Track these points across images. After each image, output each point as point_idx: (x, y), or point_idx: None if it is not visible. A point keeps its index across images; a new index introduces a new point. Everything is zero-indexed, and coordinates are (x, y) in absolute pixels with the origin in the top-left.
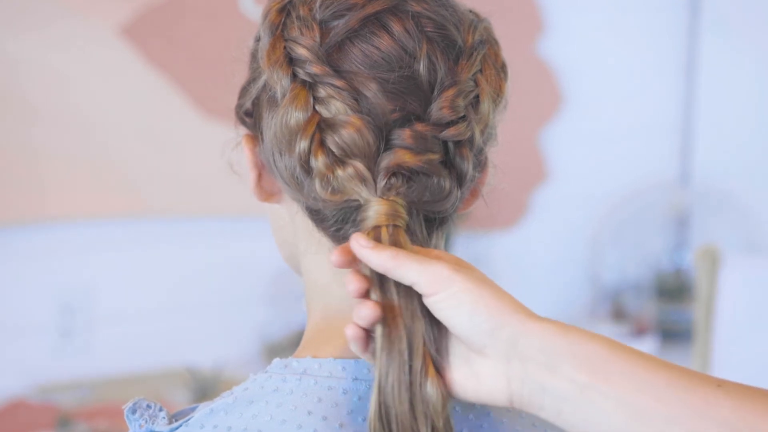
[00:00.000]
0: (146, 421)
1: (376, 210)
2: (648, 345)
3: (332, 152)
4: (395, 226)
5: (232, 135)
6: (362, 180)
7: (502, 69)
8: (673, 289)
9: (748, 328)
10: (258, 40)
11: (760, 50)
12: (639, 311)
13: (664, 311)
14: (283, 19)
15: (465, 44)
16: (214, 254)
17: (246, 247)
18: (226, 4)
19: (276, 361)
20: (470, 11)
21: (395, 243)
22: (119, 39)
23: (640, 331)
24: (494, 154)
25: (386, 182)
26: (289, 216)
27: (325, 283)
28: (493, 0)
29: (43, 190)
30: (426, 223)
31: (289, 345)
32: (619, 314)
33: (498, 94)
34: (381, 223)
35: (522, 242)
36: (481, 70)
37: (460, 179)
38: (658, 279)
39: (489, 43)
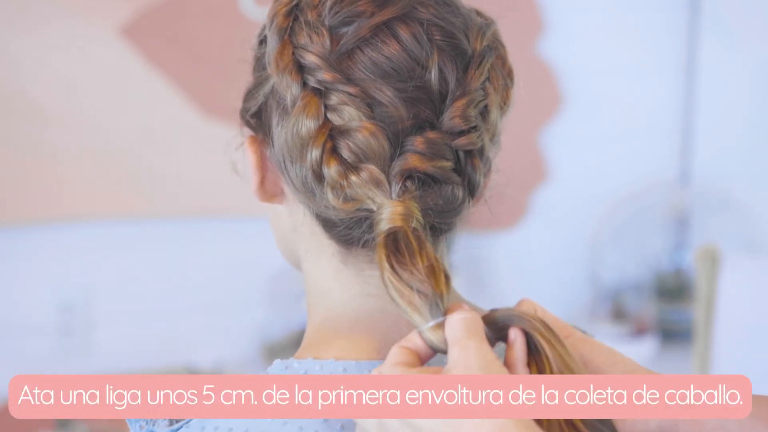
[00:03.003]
0: (147, 422)
1: (390, 211)
2: (648, 345)
3: (345, 159)
4: (414, 229)
5: (233, 135)
6: (376, 184)
7: (508, 75)
8: (673, 289)
9: (748, 328)
10: (262, 42)
11: (760, 50)
12: (639, 311)
13: (664, 311)
14: (290, 24)
15: (474, 51)
16: (214, 254)
17: (246, 247)
18: (226, 4)
19: (277, 362)
20: (477, 13)
21: (418, 244)
22: (119, 39)
23: (640, 331)
24: (494, 155)
25: (401, 186)
26: (291, 217)
27: (327, 287)
28: (493, 0)
29: (42, 190)
30: (431, 230)
31: (288, 345)
32: (619, 314)
33: (505, 102)
34: (396, 224)
35: (522, 242)
36: (489, 78)
37: (471, 189)
38: (658, 279)
39: (496, 48)
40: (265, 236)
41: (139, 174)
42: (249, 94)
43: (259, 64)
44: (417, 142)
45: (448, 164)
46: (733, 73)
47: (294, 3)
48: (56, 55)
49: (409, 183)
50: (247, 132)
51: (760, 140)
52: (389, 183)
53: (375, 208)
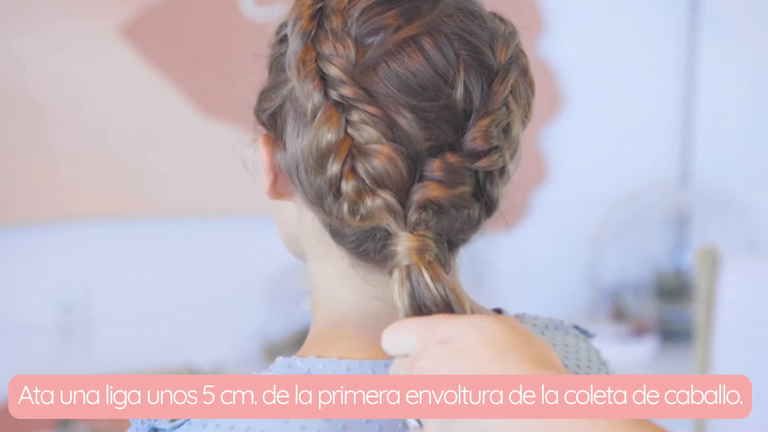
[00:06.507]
0: (148, 419)
1: (406, 246)
2: (648, 345)
3: (362, 179)
4: (429, 262)
5: (242, 133)
6: (392, 213)
7: (530, 86)
8: (673, 289)
9: (748, 328)
10: (282, 41)
11: (760, 50)
12: (639, 311)
13: (664, 311)
14: (314, 29)
15: (499, 65)
16: (214, 254)
17: (246, 247)
18: (226, 4)
19: (279, 359)
20: (500, 19)
21: (434, 279)
22: (119, 39)
23: (640, 332)
24: (514, 169)
25: (417, 217)
26: (298, 215)
27: (332, 287)
28: (493, 0)
29: (42, 190)
30: (447, 244)
31: (288, 345)
32: (619, 314)
33: (526, 116)
34: (413, 261)
35: (522, 242)
36: (512, 91)
37: (489, 207)
38: (658, 279)
39: (519, 59)
40: (265, 236)
41: (139, 174)
42: (265, 94)
43: (278, 65)
44: (436, 167)
45: (468, 189)
46: (733, 73)
47: (319, 6)
48: (56, 55)
49: (425, 214)
50: (261, 130)
51: (760, 140)
52: (405, 211)
53: (391, 231)
